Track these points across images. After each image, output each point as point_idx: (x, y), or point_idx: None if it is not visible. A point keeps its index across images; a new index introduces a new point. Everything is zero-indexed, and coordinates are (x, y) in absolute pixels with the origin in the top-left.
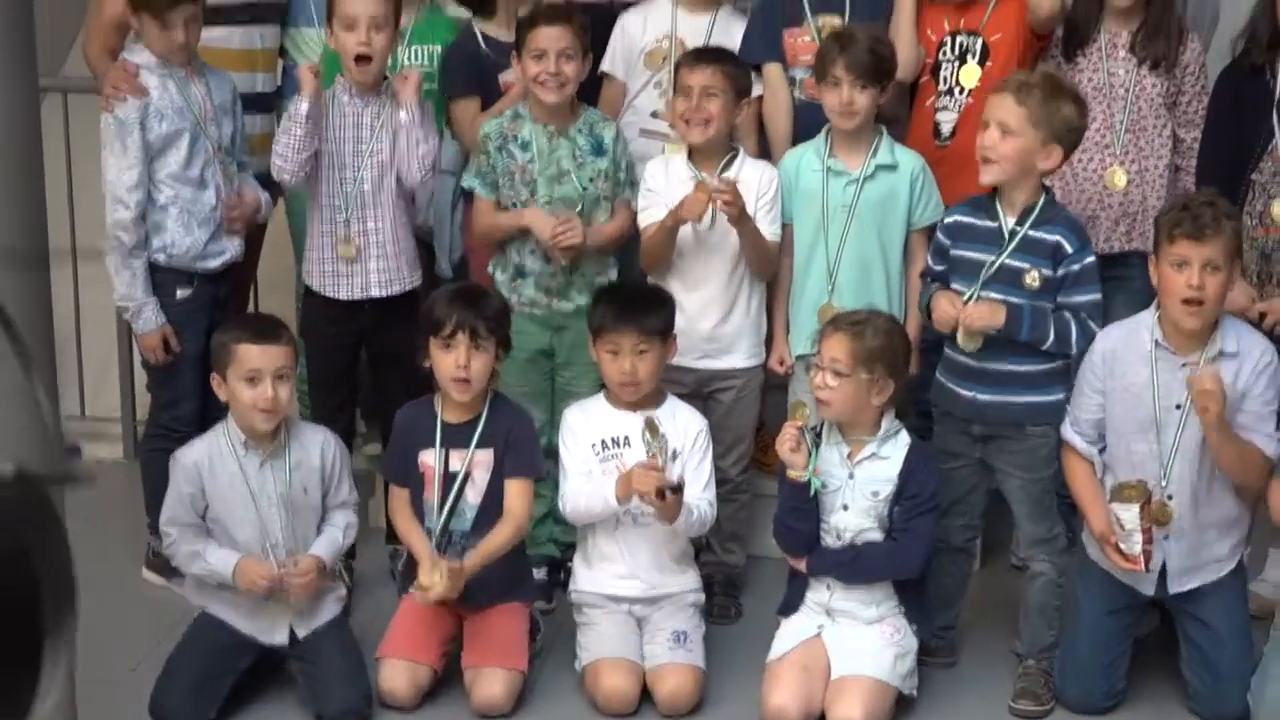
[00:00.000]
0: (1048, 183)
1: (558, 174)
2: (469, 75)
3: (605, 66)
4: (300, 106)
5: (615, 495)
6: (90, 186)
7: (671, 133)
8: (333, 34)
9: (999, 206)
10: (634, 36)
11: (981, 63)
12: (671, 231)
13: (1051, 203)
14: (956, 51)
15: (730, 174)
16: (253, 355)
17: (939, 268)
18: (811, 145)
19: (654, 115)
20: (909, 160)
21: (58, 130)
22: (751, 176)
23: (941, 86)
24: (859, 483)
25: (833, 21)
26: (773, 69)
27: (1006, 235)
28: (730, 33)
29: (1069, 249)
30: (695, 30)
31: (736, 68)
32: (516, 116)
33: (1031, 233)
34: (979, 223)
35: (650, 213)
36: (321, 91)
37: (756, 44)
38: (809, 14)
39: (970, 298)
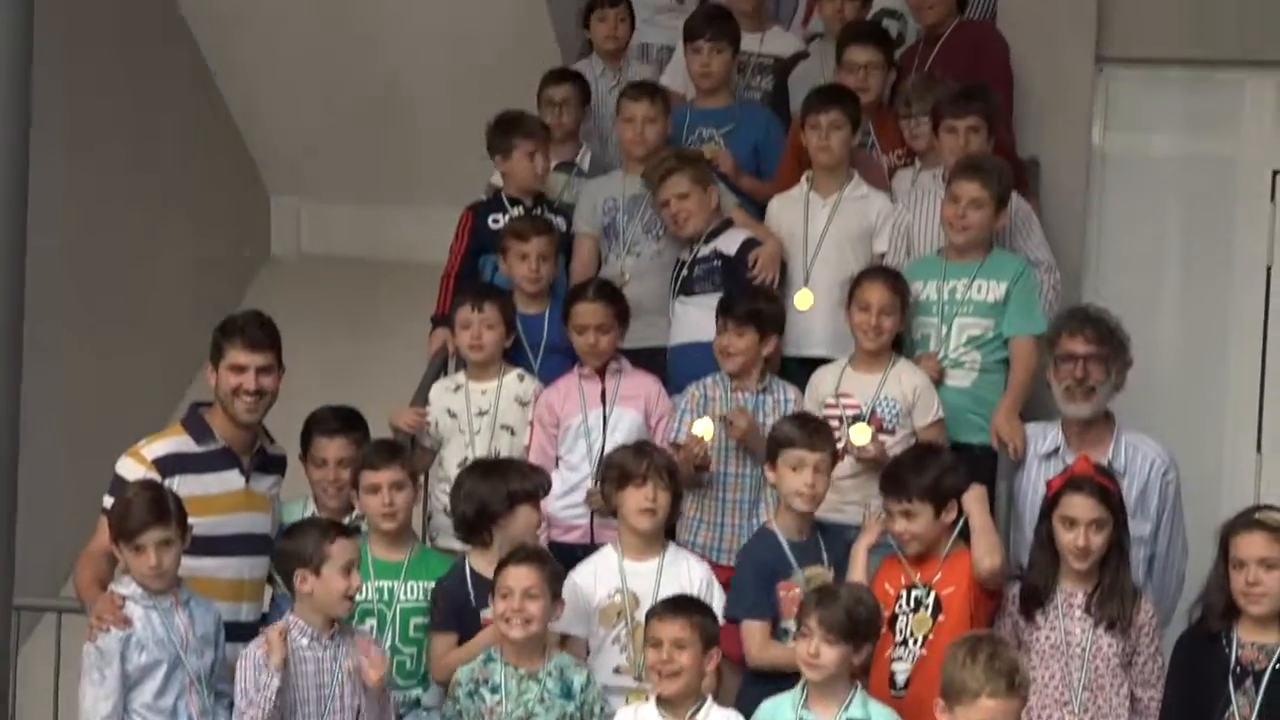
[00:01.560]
0: None
1: (525, 716)
2: (450, 611)
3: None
4: (271, 683)
5: None
6: (75, 706)
7: (636, 685)
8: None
9: None
10: (587, 593)
11: (935, 614)
12: None
13: None
14: (911, 604)
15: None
16: None
17: None
18: (788, 696)
19: (616, 671)
20: (881, 714)
21: (49, 648)
22: None
23: (897, 638)
24: None
25: (821, 574)
26: (753, 627)
27: None
28: (677, 570)
29: None
30: (644, 576)
31: (705, 618)
32: (489, 660)
33: None
34: None
35: None
36: (288, 660)
37: (748, 600)
38: (796, 568)
39: None
